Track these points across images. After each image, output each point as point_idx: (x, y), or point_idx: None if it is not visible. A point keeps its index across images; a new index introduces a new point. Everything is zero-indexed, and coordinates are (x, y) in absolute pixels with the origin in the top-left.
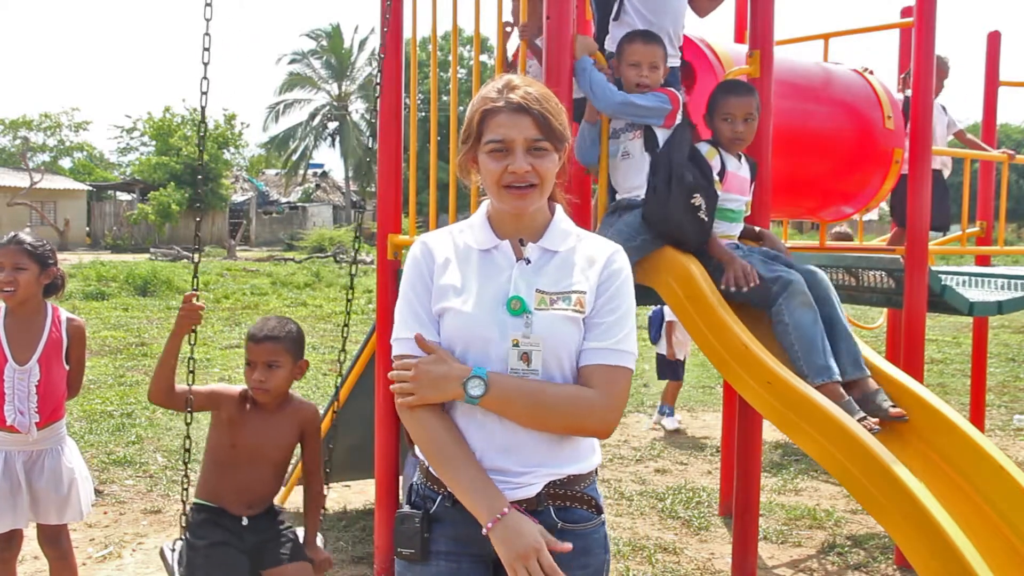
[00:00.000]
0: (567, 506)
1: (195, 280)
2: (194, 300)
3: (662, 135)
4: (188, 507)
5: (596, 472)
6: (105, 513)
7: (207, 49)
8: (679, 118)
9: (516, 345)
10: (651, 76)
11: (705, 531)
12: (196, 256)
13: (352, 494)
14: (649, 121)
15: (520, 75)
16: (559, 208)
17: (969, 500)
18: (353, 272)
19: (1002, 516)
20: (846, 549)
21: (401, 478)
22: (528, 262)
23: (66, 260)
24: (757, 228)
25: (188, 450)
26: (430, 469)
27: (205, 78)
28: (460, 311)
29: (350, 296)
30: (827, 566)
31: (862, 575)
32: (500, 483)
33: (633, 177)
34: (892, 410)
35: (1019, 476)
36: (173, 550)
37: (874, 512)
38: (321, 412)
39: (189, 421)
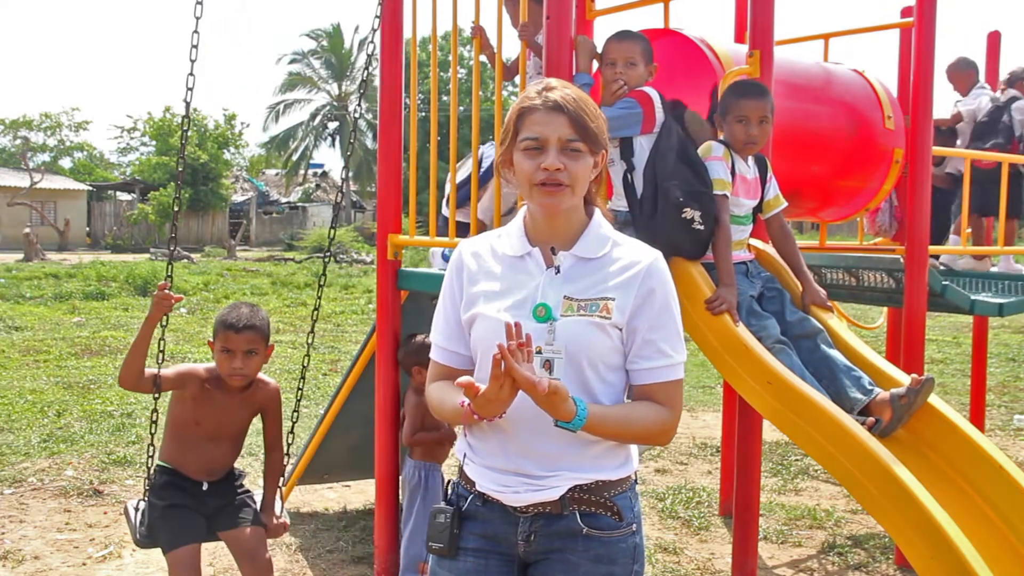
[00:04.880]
0: (592, 511)
1: (169, 267)
2: (166, 290)
3: (644, 141)
4: (151, 470)
5: (633, 480)
6: (105, 513)
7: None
8: (660, 117)
9: (539, 352)
10: (628, 73)
11: (705, 531)
12: (172, 246)
13: (352, 494)
14: (625, 134)
15: (559, 79)
16: (597, 212)
17: (969, 500)
18: None
19: (1002, 516)
20: (846, 549)
21: (400, 478)
22: (557, 271)
23: (66, 260)
24: (805, 269)
25: (155, 423)
26: (464, 468)
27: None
28: (488, 317)
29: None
30: (827, 566)
31: (862, 575)
32: (522, 484)
33: (617, 185)
34: (912, 381)
35: (1019, 476)
36: (137, 508)
37: (874, 512)
38: (321, 412)
39: (157, 397)
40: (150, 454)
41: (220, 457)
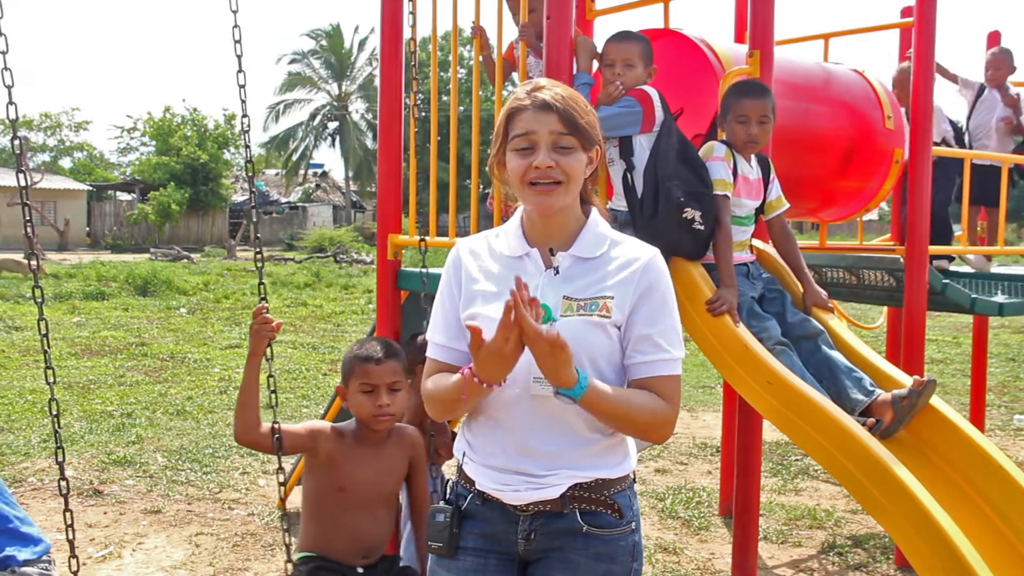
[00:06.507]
0: (593, 510)
1: (261, 287)
2: (264, 312)
3: (644, 141)
4: (293, 561)
5: (632, 479)
6: (105, 513)
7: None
8: (659, 116)
9: None
10: (626, 75)
11: (705, 531)
12: (259, 260)
13: None
14: (624, 132)
15: (549, 79)
16: (594, 211)
17: (969, 500)
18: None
19: (1002, 516)
20: (846, 549)
21: None
22: (556, 271)
23: (66, 260)
24: (806, 270)
25: (283, 484)
26: (463, 467)
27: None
28: (488, 317)
29: None
30: (827, 566)
31: (862, 575)
32: (522, 482)
33: (617, 185)
34: (914, 383)
35: (1019, 477)
36: None
37: (874, 512)
38: (321, 412)
39: (279, 461)
40: (285, 527)
41: (373, 530)
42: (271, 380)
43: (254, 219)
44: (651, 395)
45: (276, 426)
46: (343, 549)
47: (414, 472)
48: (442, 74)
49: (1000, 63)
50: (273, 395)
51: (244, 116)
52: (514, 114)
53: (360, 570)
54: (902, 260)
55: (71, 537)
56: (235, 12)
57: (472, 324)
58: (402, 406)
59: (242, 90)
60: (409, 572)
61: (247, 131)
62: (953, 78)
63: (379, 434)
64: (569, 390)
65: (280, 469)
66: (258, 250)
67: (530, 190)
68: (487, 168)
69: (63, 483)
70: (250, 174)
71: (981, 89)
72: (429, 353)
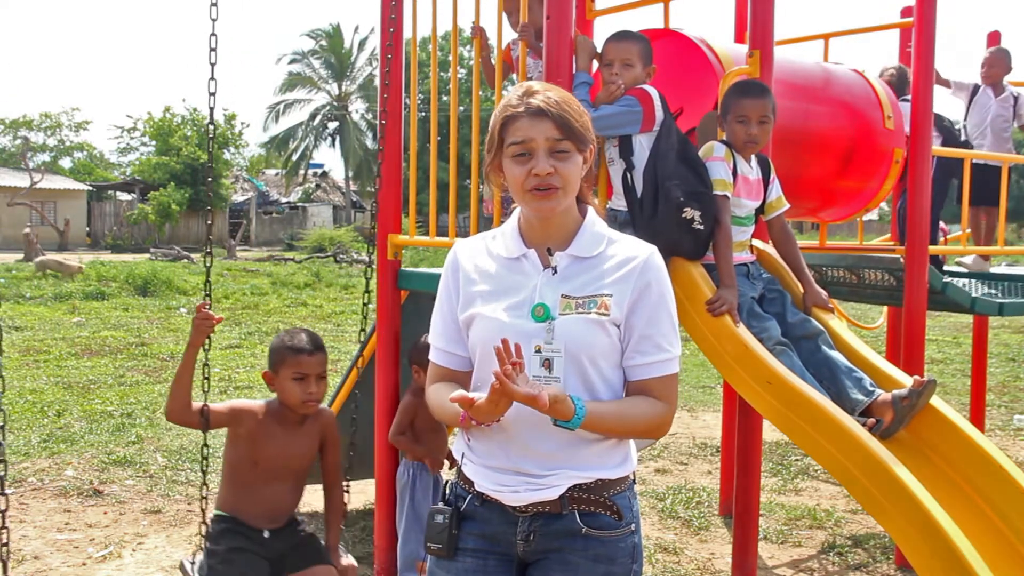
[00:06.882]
0: (592, 511)
1: (207, 286)
2: (206, 309)
3: (644, 140)
4: (208, 519)
5: (632, 480)
6: (105, 513)
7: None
8: (659, 116)
9: (538, 351)
10: (623, 74)
11: (705, 531)
12: (208, 260)
13: (352, 494)
14: (623, 131)
15: (539, 81)
16: (591, 211)
17: (969, 501)
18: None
19: (1002, 517)
20: (846, 549)
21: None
22: (554, 271)
23: (66, 260)
24: (806, 271)
25: (206, 458)
26: (463, 468)
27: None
28: (486, 317)
29: None
30: (827, 566)
31: (862, 575)
32: (522, 483)
33: (617, 185)
34: (914, 383)
35: (1020, 477)
36: (193, 563)
37: (874, 512)
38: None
39: (205, 432)
40: (204, 495)
41: (283, 499)
42: (206, 368)
43: (208, 220)
44: (648, 400)
45: (205, 408)
46: (253, 513)
47: (327, 448)
48: (442, 74)
49: (996, 61)
50: (207, 381)
51: (210, 123)
52: (508, 121)
53: (266, 534)
54: (902, 260)
55: (5, 557)
56: (214, 20)
57: (459, 396)
58: (324, 392)
59: (212, 97)
60: (312, 540)
61: (213, 138)
62: (946, 83)
63: (299, 415)
64: (567, 422)
65: (205, 444)
66: (208, 251)
67: (530, 196)
68: (483, 174)
69: (2, 498)
70: (209, 178)
71: (975, 89)
72: (431, 357)
